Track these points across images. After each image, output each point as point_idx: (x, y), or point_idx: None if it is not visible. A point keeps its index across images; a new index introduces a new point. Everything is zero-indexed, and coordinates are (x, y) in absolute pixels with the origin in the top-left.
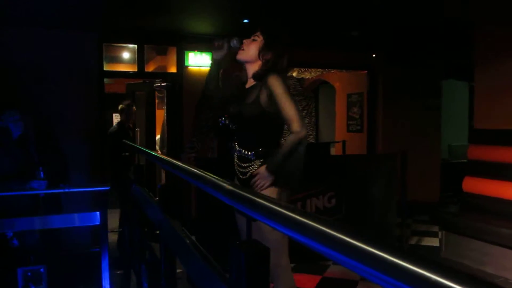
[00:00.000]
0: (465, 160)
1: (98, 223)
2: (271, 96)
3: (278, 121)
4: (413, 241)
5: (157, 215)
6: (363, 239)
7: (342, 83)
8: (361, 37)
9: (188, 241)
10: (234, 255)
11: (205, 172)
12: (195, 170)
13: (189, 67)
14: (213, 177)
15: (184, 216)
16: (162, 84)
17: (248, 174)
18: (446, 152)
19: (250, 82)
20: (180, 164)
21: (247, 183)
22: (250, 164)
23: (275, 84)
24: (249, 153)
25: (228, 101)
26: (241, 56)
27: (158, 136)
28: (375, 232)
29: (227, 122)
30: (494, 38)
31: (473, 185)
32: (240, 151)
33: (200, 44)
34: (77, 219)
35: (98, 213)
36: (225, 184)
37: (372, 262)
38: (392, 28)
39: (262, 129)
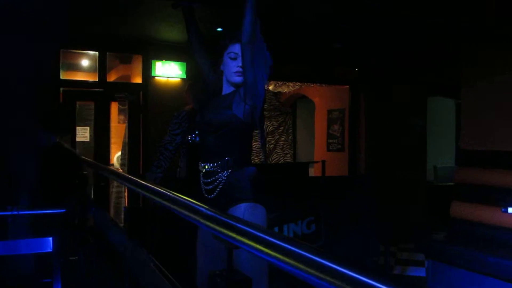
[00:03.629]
0: (452, 183)
1: (50, 250)
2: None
3: (247, 130)
4: (398, 270)
5: (121, 241)
6: (369, 273)
7: (322, 98)
8: (344, 50)
9: (157, 270)
10: (214, 284)
11: (180, 195)
12: (169, 193)
13: (156, 78)
14: (190, 201)
15: (150, 241)
16: (127, 95)
17: (215, 192)
18: (432, 174)
19: (228, 89)
20: (152, 186)
21: (215, 203)
22: (216, 177)
23: None
24: (215, 164)
25: (198, 111)
26: (241, 77)
27: (117, 154)
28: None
29: (197, 139)
30: (482, 54)
31: (461, 210)
32: (205, 166)
33: (169, 53)
34: (25, 246)
35: (50, 238)
36: (203, 208)
37: None
38: (376, 42)
39: (230, 137)
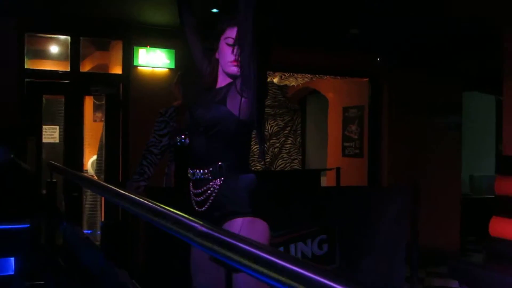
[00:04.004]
0: (492, 196)
1: (11, 273)
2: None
3: (244, 130)
4: None
5: (98, 262)
6: None
7: (337, 93)
8: (363, 36)
9: None
10: None
11: (167, 208)
12: (154, 205)
13: (139, 68)
14: (180, 214)
15: (131, 261)
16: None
17: (207, 205)
18: (467, 184)
19: (223, 81)
20: (134, 196)
21: (207, 217)
22: (207, 186)
23: None
24: (205, 170)
25: (188, 108)
26: (237, 69)
27: (92, 158)
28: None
29: (187, 140)
30: None
31: (503, 228)
32: (194, 173)
33: (155, 38)
34: None
35: (12, 259)
36: (197, 224)
37: None
38: (401, 26)
39: (224, 137)
